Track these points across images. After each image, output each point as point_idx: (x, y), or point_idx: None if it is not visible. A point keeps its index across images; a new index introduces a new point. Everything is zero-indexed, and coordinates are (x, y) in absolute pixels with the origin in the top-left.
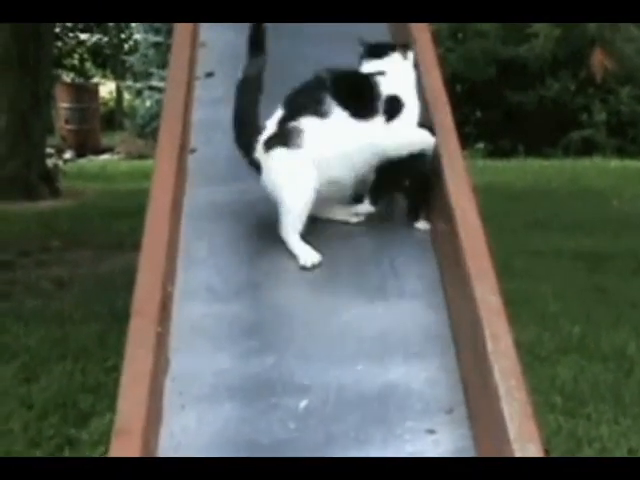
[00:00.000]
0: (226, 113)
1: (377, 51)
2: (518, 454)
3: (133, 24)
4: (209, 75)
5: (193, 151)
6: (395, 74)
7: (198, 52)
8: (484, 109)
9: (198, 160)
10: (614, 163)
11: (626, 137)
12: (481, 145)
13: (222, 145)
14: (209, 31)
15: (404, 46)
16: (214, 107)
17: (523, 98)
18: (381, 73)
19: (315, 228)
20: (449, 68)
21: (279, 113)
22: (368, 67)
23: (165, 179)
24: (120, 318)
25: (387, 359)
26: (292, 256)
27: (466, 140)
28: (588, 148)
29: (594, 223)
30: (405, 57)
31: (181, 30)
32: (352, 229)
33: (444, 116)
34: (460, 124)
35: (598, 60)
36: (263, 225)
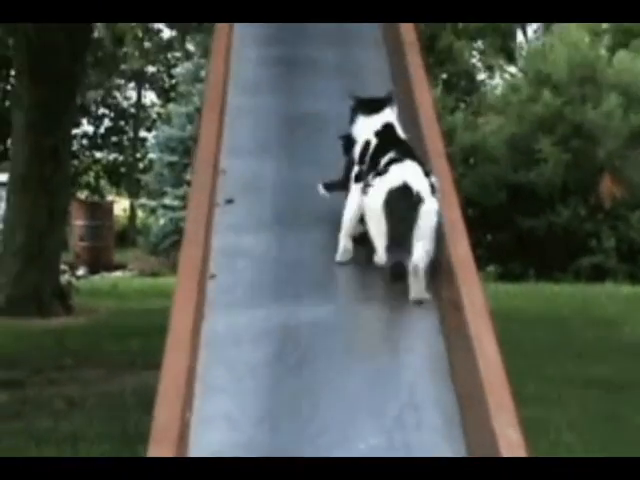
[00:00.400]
0: (246, 240)
1: (373, 106)
2: None
3: (149, 144)
4: (229, 202)
5: (213, 277)
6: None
7: (218, 179)
8: (495, 233)
9: (218, 286)
10: (626, 289)
11: (637, 263)
12: (492, 268)
13: (242, 272)
14: (229, 158)
15: (389, 99)
16: (234, 233)
17: (534, 223)
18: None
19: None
20: (461, 193)
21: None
22: (371, 121)
23: (185, 305)
24: (131, 439)
25: None
26: (310, 384)
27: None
28: (599, 274)
29: (606, 350)
30: (393, 109)
31: (202, 156)
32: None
33: (462, 249)
34: (471, 247)
35: (607, 187)
36: (282, 352)
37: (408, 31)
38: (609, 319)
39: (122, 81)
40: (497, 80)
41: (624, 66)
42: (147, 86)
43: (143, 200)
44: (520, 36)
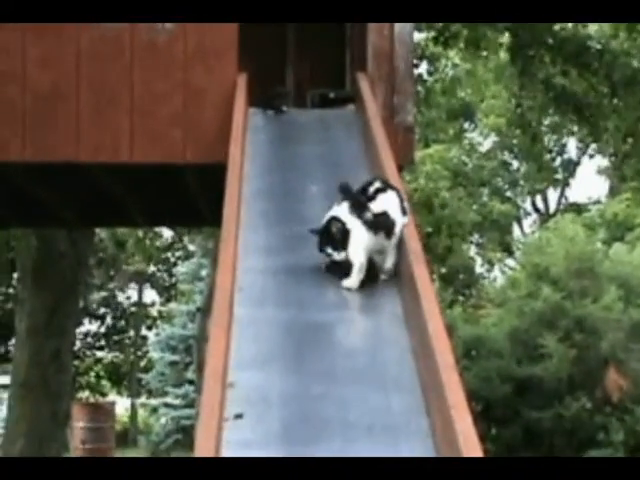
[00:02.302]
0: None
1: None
2: None
3: (150, 342)
4: (238, 417)
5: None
6: None
7: (227, 393)
8: (500, 426)
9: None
10: None
11: None
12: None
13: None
14: (237, 371)
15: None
16: (243, 450)
17: (540, 415)
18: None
19: None
20: (466, 386)
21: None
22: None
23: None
24: None
25: None
26: None
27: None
28: None
29: None
30: None
31: (210, 371)
32: None
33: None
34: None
35: (613, 379)
36: None
37: (413, 239)
38: None
39: (123, 281)
40: (496, 272)
41: (621, 258)
42: (148, 285)
43: (144, 399)
44: (517, 230)
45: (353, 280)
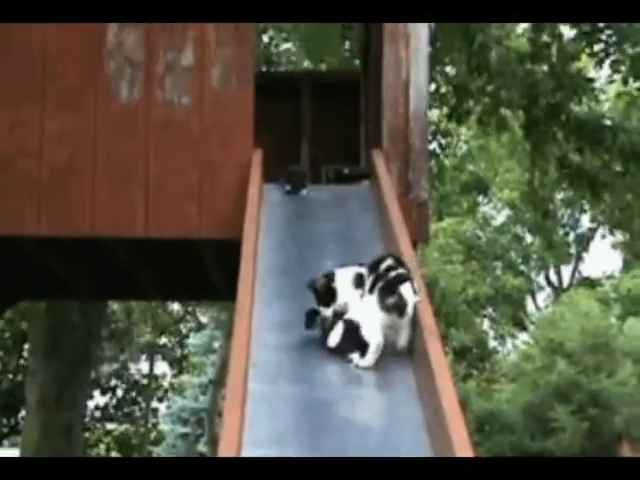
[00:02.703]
0: None
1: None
2: None
3: (161, 414)
4: None
5: None
6: None
7: None
8: None
9: None
10: None
11: None
12: None
13: None
14: (252, 448)
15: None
16: None
17: None
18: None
19: None
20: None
21: None
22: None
23: None
24: None
25: None
26: None
27: None
28: None
29: None
30: None
31: (225, 447)
32: None
33: None
34: None
35: (626, 455)
36: None
37: (427, 315)
38: None
39: (135, 353)
40: (509, 346)
41: (635, 334)
42: (159, 356)
43: None
44: (531, 304)
45: (369, 359)
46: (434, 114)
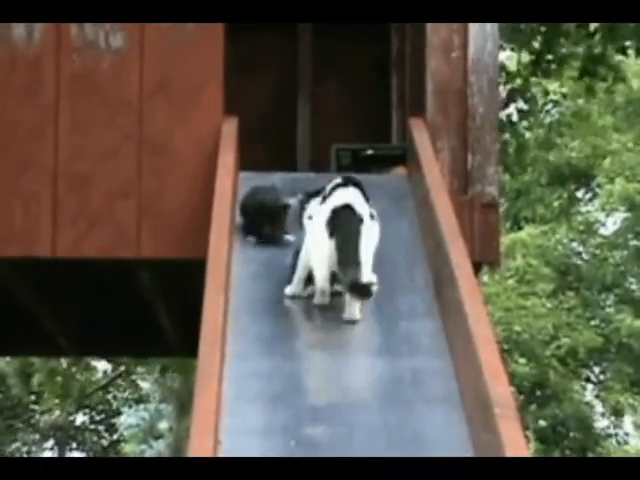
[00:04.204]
0: None
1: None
2: None
3: None
4: None
5: None
6: None
7: None
8: None
9: None
10: None
11: None
12: None
13: None
14: None
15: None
16: None
17: None
18: None
19: None
20: None
21: None
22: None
23: None
24: None
25: None
26: None
27: None
28: None
29: None
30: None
31: None
32: None
33: None
34: None
35: None
36: None
37: (499, 383)
38: None
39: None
40: (628, 428)
41: None
42: (73, 444)
43: None
44: None
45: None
46: (509, 61)
